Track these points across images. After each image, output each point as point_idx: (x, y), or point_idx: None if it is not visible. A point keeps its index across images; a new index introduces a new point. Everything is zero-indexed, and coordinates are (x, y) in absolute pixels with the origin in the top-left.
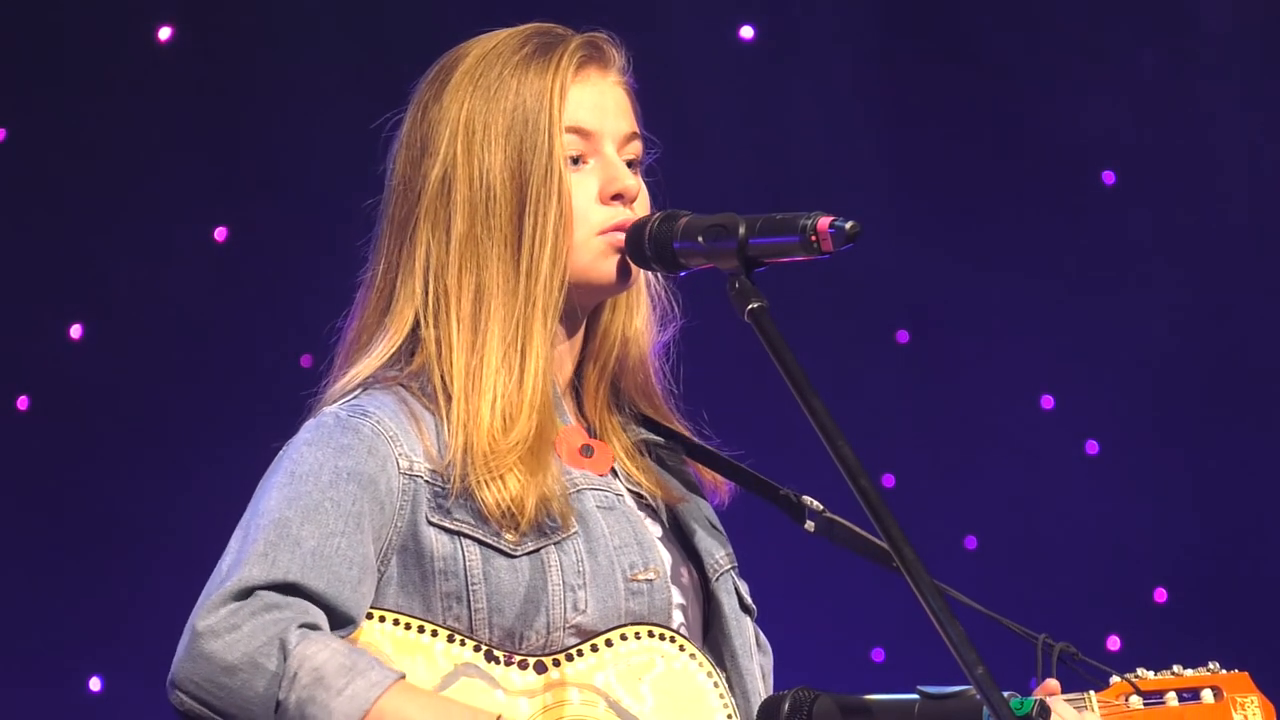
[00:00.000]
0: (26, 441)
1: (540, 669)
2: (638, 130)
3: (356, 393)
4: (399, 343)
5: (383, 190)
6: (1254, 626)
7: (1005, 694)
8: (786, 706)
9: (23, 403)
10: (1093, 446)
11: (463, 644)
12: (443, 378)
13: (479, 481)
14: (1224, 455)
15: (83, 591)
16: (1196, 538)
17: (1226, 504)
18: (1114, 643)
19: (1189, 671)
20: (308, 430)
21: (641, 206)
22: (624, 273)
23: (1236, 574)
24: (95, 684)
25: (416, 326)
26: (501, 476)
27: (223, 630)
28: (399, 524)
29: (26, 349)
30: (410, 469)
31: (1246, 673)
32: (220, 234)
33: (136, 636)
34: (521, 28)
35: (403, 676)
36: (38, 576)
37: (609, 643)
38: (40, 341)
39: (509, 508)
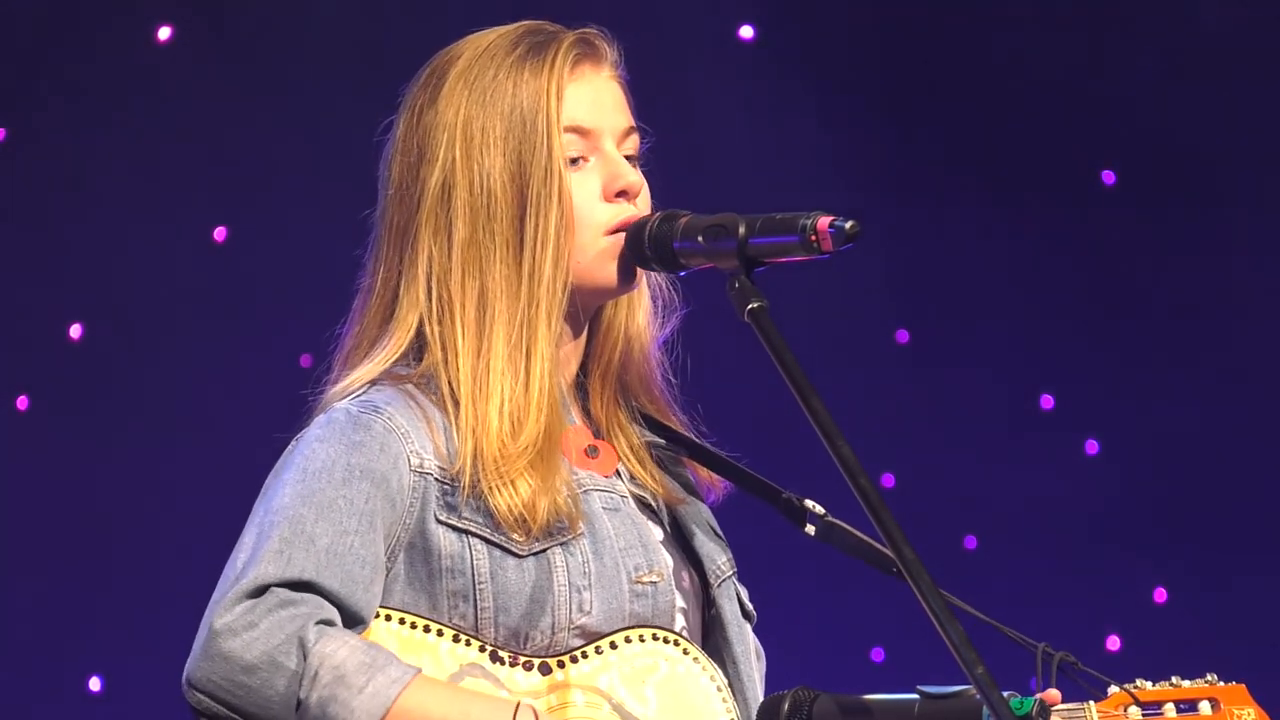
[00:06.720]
0: (26, 441)
1: (545, 670)
2: (634, 124)
3: (364, 389)
4: (403, 348)
5: (377, 197)
6: (1253, 627)
7: (1005, 694)
8: (786, 706)
9: (22, 403)
10: (1093, 446)
11: (468, 644)
12: (450, 383)
13: (490, 487)
14: (1224, 455)
15: (82, 591)
16: (1196, 538)
17: (1227, 504)
18: (1114, 643)
19: (1187, 683)
20: (319, 426)
21: (644, 201)
22: (629, 274)
23: (1236, 574)
24: (95, 684)
25: (420, 333)
26: (512, 481)
27: (240, 628)
28: (408, 521)
29: (26, 349)
30: (421, 466)
31: (1243, 685)
32: (220, 234)
33: (136, 636)
34: (513, 26)
35: (420, 671)
36: (37, 576)
37: (613, 645)
38: (40, 341)
39: (521, 513)
